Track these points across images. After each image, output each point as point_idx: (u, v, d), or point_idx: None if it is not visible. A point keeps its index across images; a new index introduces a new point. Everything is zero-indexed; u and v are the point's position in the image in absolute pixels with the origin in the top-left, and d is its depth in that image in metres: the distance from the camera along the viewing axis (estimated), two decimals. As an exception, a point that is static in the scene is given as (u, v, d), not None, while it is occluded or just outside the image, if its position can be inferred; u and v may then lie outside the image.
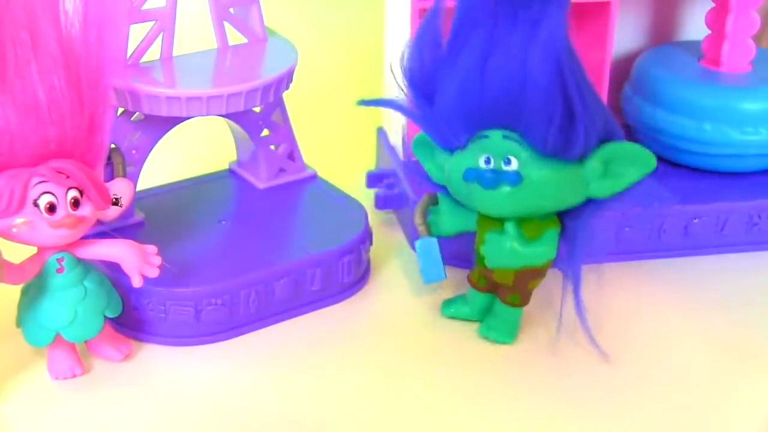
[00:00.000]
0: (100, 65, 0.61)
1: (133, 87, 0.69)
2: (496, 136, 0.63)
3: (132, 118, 0.72)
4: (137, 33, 0.71)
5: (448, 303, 0.72)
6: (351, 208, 0.77)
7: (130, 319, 0.68)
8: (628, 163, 0.63)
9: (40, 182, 0.60)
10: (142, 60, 0.72)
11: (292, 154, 0.80)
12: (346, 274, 0.73)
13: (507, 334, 0.69)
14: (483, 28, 0.61)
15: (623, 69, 0.88)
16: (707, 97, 0.81)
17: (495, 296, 0.70)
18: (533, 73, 0.60)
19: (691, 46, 0.88)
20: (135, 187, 0.69)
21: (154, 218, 0.75)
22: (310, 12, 1.07)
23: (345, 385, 0.66)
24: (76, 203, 0.61)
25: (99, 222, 0.64)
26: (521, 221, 0.65)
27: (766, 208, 0.79)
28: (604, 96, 0.80)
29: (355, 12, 1.05)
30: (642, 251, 0.79)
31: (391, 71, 0.67)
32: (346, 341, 0.70)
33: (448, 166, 0.66)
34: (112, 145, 0.71)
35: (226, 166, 0.83)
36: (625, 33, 0.90)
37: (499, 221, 0.65)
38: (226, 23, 0.75)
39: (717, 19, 0.83)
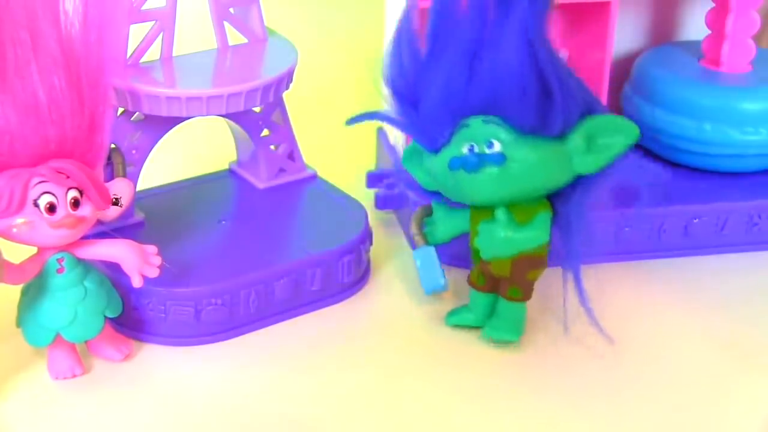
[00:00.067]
0: (101, 65, 0.61)
1: (133, 87, 0.69)
2: (476, 122, 0.63)
3: (132, 118, 0.72)
4: (137, 33, 0.71)
5: (451, 313, 0.72)
6: (351, 208, 0.77)
7: (130, 319, 0.68)
8: (610, 135, 0.63)
9: (41, 182, 0.60)
10: (142, 60, 0.72)
11: (292, 154, 0.80)
12: (346, 274, 0.73)
13: (511, 331, 0.69)
14: (465, 24, 0.62)
15: (623, 69, 0.87)
16: (707, 97, 0.81)
17: (497, 296, 0.70)
18: (509, 61, 0.60)
19: (691, 46, 0.88)
20: (135, 187, 0.69)
21: (154, 218, 0.75)
22: (310, 12, 1.07)
23: (345, 385, 0.66)
24: (76, 203, 0.61)
25: (99, 222, 0.64)
26: (511, 207, 0.65)
27: (766, 208, 0.79)
28: (604, 96, 0.80)
29: (355, 12, 1.05)
30: (642, 251, 0.79)
31: (374, 84, 0.67)
32: (346, 341, 0.70)
33: (433, 164, 0.66)
34: (112, 145, 0.71)
35: (226, 166, 0.83)
36: (625, 33, 0.90)
37: (489, 210, 0.65)
38: (226, 23, 0.75)
39: (717, 19, 0.83)
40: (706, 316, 0.73)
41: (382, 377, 0.67)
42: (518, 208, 0.65)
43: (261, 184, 0.80)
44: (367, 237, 0.75)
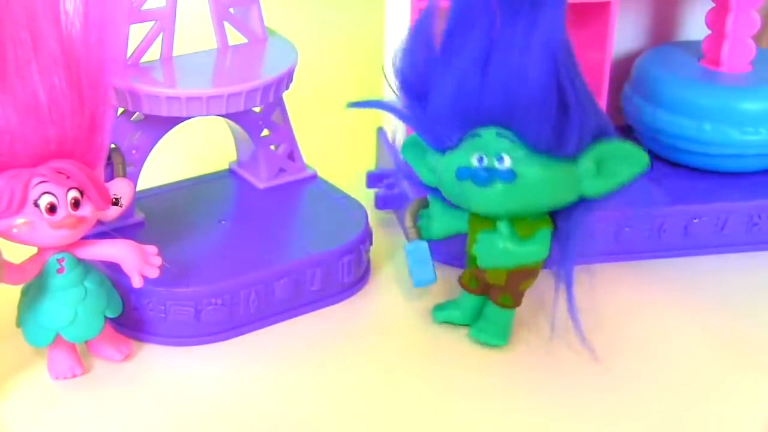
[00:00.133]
0: (101, 65, 0.61)
1: (133, 87, 0.69)
2: (489, 134, 0.63)
3: (132, 118, 0.72)
4: (137, 33, 0.71)
5: (439, 308, 0.72)
6: (351, 208, 0.77)
7: (131, 319, 0.68)
8: (621, 162, 0.63)
9: (41, 182, 0.59)
10: (142, 60, 0.72)
11: (292, 154, 0.80)
12: (346, 274, 0.73)
13: (498, 336, 0.69)
14: (480, 29, 0.61)
15: (623, 69, 0.87)
16: (707, 97, 0.81)
17: (486, 299, 0.70)
18: (530, 71, 0.60)
19: (691, 46, 0.88)
20: (135, 187, 0.69)
21: (154, 218, 0.75)
22: (310, 12, 1.07)
23: (345, 385, 0.66)
24: (76, 203, 0.61)
25: (99, 222, 0.64)
26: (514, 220, 0.65)
27: (766, 208, 0.79)
28: (604, 96, 0.80)
29: (355, 12, 1.05)
30: (642, 251, 0.79)
31: (384, 74, 0.67)
32: (346, 341, 0.70)
33: (439, 166, 0.66)
34: (112, 145, 0.71)
35: (226, 166, 0.83)
36: (625, 33, 0.90)
37: (491, 221, 0.65)
38: (226, 23, 0.75)
39: (717, 19, 0.83)
40: (705, 315, 0.73)
41: (382, 377, 0.67)
42: (521, 222, 0.65)
43: (261, 184, 0.80)
44: (367, 237, 0.75)
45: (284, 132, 0.79)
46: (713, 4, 0.84)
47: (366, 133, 0.90)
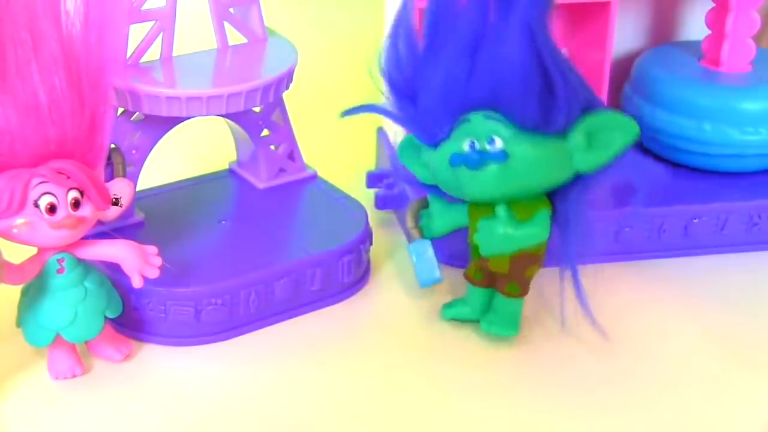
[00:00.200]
0: (101, 65, 0.61)
1: (133, 87, 0.69)
2: (477, 118, 0.63)
3: (132, 118, 0.72)
4: (137, 33, 0.71)
5: (448, 306, 0.72)
6: (351, 208, 0.77)
7: (131, 319, 0.68)
8: (610, 132, 0.63)
9: (41, 183, 0.59)
10: (142, 60, 0.72)
11: (292, 154, 0.81)
12: (346, 274, 0.73)
13: (509, 326, 0.69)
14: (465, 19, 0.62)
15: (623, 69, 0.88)
16: (707, 97, 0.81)
17: (494, 291, 0.70)
18: (511, 53, 0.60)
19: (691, 46, 0.88)
20: (135, 187, 0.69)
21: (154, 218, 0.75)
22: (310, 12, 1.07)
23: (345, 385, 0.66)
24: (76, 204, 0.61)
25: (99, 222, 0.64)
26: (511, 204, 0.65)
27: (766, 208, 0.79)
28: (604, 96, 0.80)
29: (355, 12, 1.05)
30: (642, 251, 0.79)
31: (371, 76, 0.67)
32: (346, 341, 0.70)
33: (433, 159, 0.66)
34: (112, 145, 0.71)
35: (226, 166, 0.83)
36: (625, 33, 0.90)
37: (489, 207, 0.65)
38: (226, 23, 0.75)
39: (717, 19, 0.83)
40: (705, 315, 0.73)
41: (383, 376, 0.67)
42: (518, 206, 0.65)
43: (261, 184, 0.80)
44: (367, 237, 0.75)
45: (284, 132, 0.79)
46: (713, 4, 0.84)
47: (366, 133, 0.90)
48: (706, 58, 0.85)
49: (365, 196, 0.81)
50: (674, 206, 0.78)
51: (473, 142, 0.63)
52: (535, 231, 0.65)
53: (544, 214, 0.65)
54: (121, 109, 0.71)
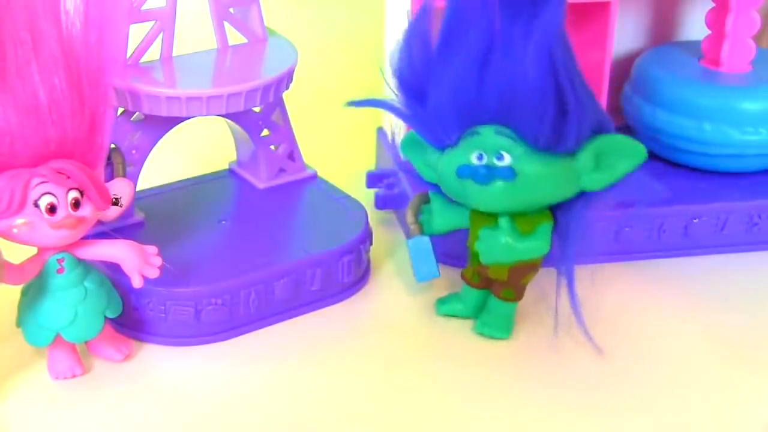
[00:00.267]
0: (101, 65, 0.61)
1: (133, 87, 0.69)
2: (488, 132, 0.63)
3: (132, 118, 0.72)
4: (137, 33, 0.71)
5: (442, 301, 0.72)
6: (351, 208, 0.77)
7: (131, 319, 0.68)
8: (619, 155, 0.63)
9: (41, 183, 0.59)
10: (142, 60, 0.72)
11: (292, 154, 0.80)
12: (346, 274, 0.73)
13: (502, 329, 0.70)
14: (478, 27, 0.61)
15: (623, 69, 0.87)
16: (707, 97, 0.81)
17: (489, 292, 0.70)
18: (527, 70, 0.60)
19: (691, 46, 0.88)
20: (135, 187, 0.69)
21: (154, 218, 0.75)
22: (310, 12, 1.07)
23: (345, 385, 0.66)
24: (76, 204, 0.61)
25: (99, 222, 0.64)
26: (515, 216, 0.65)
27: (766, 208, 0.79)
28: (604, 96, 0.80)
29: (355, 12, 1.05)
30: (642, 251, 0.79)
31: (381, 73, 0.67)
32: (346, 341, 0.70)
33: (440, 165, 0.66)
34: (112, 145, 0.71)
35: (226, 166, 0.83)
36: (625, 33, 0.90)
37: (492, 217, 0.65)
38: (226, 23, 0.75)
39: (717, 19, 0.83)
40: (705, 315, 0.73)
41: (383, 376, 0.67)
42: (521, 218, 0.65)
43: (261, 184, 0.80)
44: (367, 237, 0.75)
45: (284, 132, 0.79)
46: (713, 4, 0.84)
47: (366, 133, 0.90)
48: (706, 58, 0.85)
49: (365, 196, 0.81)
50: (674, 206, 0.78)
51: (481, 155, 0.63)
52: (537, 245, 0.65)
53: (546, 227, 0.65)
54: (121, 109, 0.71)
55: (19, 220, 0.60)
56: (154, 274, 0.64)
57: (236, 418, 0.63)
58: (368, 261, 0.77)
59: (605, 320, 0.69)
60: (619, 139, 0.63)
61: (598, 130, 0.63)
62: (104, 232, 0.66)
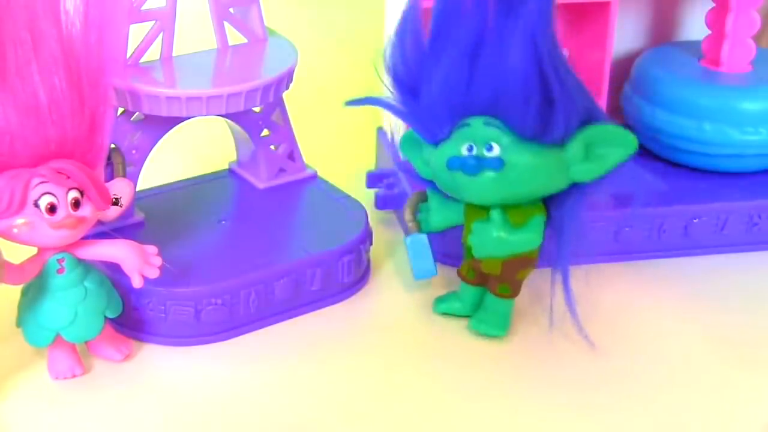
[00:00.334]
0: (101, 65, 0.61)
1: (133, 87, 0.69)
2: (477, 123, 0.63)
3: (132, 118, 0.72)
4: (137, 33, 0.71)
5: (440, 300, 0.73)
6: (351, 208, 0.77)
7: (130, 319, 0.68)
8: (609, 145, 0.63)
9: (41, 183, 0.59)
10: (142, 60, 0.72)
11: (292, 154, 0.81)
12: (346, 274, 0.73)
13: (497, 326, 0.70)
14: (468, 21, 0.62)
15: (623, 69, 0.88)
16: (707, 97, 0.81)
17: (485, 290, 0.70)
18: (512, 61, 0.60)
19: (691, 46, 0.88)
20: (135, 187, 0.69)
21: (154, 218, 0.75)
22: (310, 12, 1.07)
23: (345, 385, 0.66)
24: (76, 204, 0.61)
25: (99, 222, 0.64)
26: (506, 208, 0.65)
27: (766, 208, 0.79)
28: (604, 96, 0.80)
29: (355, 12, 1.05)
30: (642, 251, 0.79)
31: (375, 70, 0.67)
32: (346, 341, 0.70)
33: (432, 158, 0.66)
34: (112, 145, 0.71)
35: (226, 166, 0.83)
36: (625, 33, 0.90)
37: (484, 210, 0.65)
38: (226, 23, 0.75)
39: (717, 19, 0.84)
40: (705, 315, 0.73)
41: (383, 376, 0.67)
42: (513, 210, 0.65)
43: (261, 184, 0.80)
44: (367, 237, 0.75)
45: (284, 132, 0.79)
46: (713, 4, 0.84)
47: (366, 133, 0.90)
48: (706, 58, 0.85)
49: (365, 196, 0.81)
50: (674, 206, 0.78)
51: (471, 146, 0.63)
52: (529, 237, 0.65)
53: (538, 219, 0.65)
54: (121, 109, 0.71)
55: (19, 220, 0.60)
56: (154, 274, 0.64)
57: (236, 418, 0.63)
58: (368, 261, 0.77)
59: (605, 320, 0.69)
60: (609, 128, 0.63)
61: (588, 120, 0.63)
62: (104, 232, 0.66)
